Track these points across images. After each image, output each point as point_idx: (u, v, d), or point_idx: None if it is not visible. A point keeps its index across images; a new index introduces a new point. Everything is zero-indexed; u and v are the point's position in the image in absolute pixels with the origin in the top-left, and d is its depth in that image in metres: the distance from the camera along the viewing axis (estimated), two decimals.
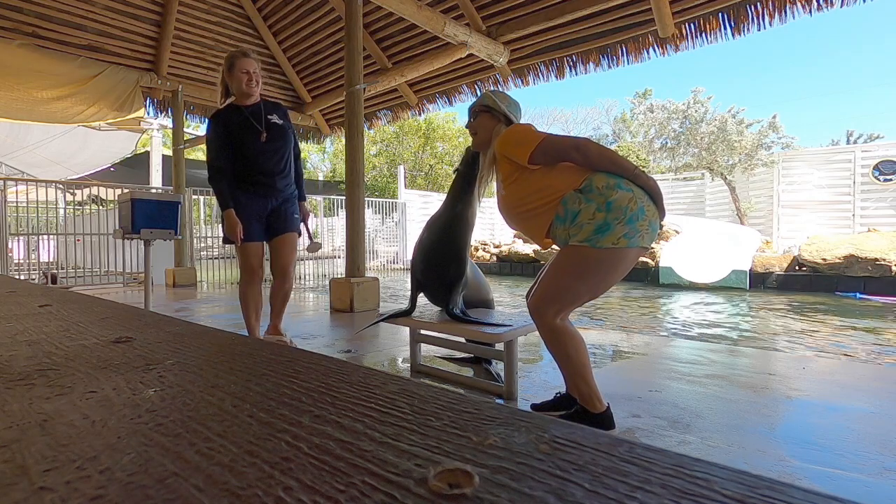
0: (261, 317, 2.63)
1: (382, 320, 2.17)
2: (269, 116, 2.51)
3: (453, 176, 2.05)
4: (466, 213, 2.01)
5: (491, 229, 13.75)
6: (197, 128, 10.24)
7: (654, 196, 1.52)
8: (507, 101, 1.77)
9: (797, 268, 7.27)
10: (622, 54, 5.14)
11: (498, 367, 2.25)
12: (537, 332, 1.60)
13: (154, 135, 9.96)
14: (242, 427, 0.27)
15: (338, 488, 0.20)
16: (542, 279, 1.59)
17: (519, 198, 1.62)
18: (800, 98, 59.11)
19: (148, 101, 6.51)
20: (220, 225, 2.55)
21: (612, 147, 23.81)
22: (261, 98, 2.56)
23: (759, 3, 4.32)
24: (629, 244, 1.45)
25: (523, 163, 1.57)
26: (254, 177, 2.46)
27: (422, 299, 2.20)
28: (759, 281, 7.24)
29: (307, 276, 8.78)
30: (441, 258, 2.00)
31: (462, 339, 2.21)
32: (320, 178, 21.86)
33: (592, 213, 1.47)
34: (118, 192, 5.95)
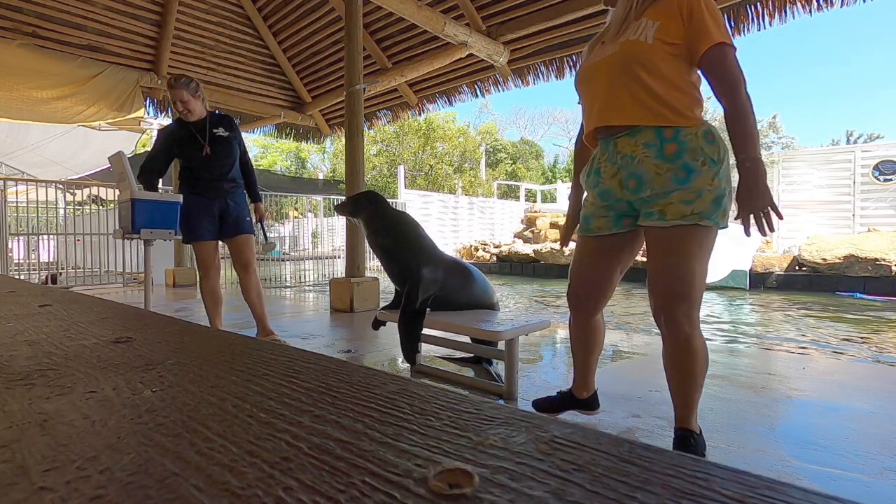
0: (221, 308, 2.89)
1: (381, 317, 2.20)
2: (215, 130, 2.69)
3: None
4: (399, 217, 2.15)
5: (491, 229, 13.74)
6: None
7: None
8: None
9: (797, 268, 7.27)
10: None
11: (498, 367, 2.25)
12: (538, 332, 1.58)
13: (154, 135, 9.95)
14: (242, 427, 0.27)
15: (338, 488, 0.20)
16: (664, 268, 1.21)
17: (653, 65, 1.22)
18: (800, 98, 59.13)
19: (148, 101, 6.52)
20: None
21: None
22: (208, 112, 2.73)
23: (759, 3, 4.31)
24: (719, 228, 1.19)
25: (704, 47, 1.18)
26: (200, 182, 2.71)
27: None
28: (760, 281, 7.24)
29: (307, 277, 8.78)
30: (397, 260, 2.10)
31: (467, 339, 2.22)
32: (320, 178, 21.84)
33: (711, 178, 1.16)
34: (118, 192, 5.94)
